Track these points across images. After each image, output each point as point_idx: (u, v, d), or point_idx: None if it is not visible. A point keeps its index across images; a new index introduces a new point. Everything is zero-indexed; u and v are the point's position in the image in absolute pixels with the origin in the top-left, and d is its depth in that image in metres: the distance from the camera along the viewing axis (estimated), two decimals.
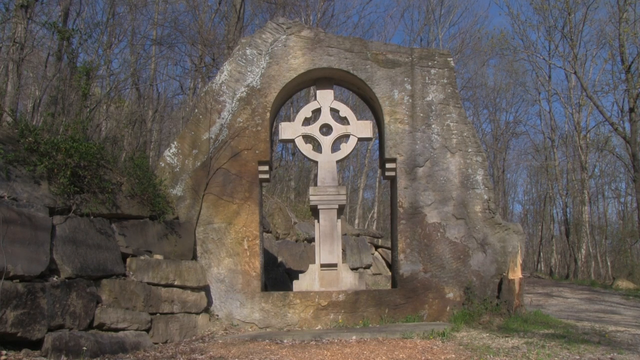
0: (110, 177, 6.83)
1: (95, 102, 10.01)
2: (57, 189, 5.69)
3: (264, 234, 11.83)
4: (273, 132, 8.67)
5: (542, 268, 29.22)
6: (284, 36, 8.34)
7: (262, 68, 8.34)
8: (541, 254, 29.95)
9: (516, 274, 7.71)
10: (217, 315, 8.00)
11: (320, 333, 6.98)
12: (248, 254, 8.12)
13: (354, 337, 6.63)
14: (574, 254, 22.85)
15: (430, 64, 8.18)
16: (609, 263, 24.75)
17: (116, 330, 5.76)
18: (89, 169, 6.37)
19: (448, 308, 8.01)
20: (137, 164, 7.34)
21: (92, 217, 6.04)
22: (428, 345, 6.04)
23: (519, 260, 7.84)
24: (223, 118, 8.32)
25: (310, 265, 8.49)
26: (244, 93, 8.31)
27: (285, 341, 6.54)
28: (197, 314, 7.29)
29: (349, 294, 8.06)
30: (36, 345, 4.80)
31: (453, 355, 5.56)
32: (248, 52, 8.48)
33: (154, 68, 17.78)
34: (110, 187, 6.52)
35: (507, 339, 6.26)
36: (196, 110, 8.67)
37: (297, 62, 8.27)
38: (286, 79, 8.24)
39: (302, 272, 8.77)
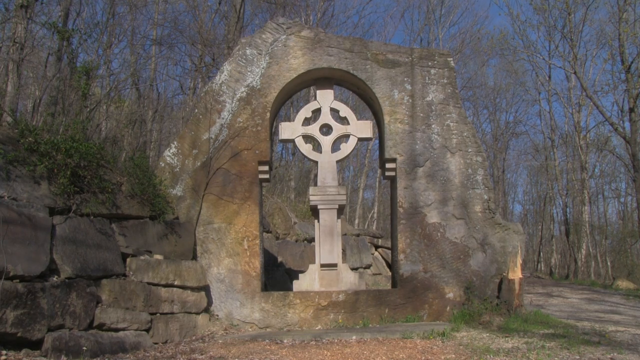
0: (110, 177, 6.83)
1: (95, 102, 10.00)
2: (57, 189, 5.69)
3: (264, 234, 11.83)
4: (273, 132, 8.65)
5: (542, 268, 29.21)
6: (284, 36, 8.34)
7: (262, 68, 8.33)
8: (541, 253, 29.95)
9: (516, 274, 7.71)
10: (218, 315, 7.99)
11: (320, 333, 6.98)
12: (248, 254, 8.12)
13: (354, 337, 6.63)
14: (574, 254, 22.85)
15: (430, 64, 8.18)
16: (609, 263, 24.74)
17: (116, 330, 5.76)
18: (89, 169, 6.37)
19: (448, 308, 8.01)
20: (137, 164, 7.33)
21: (92, 217, 6.04)
22: (428, 345, 6.03)
23: (519, 261, 7.84)
24: (223, 118, 8.32)
25: (310, 265, 8.49)
26: (244, 93, 8.30)
27: (285, 341, 6.54)
28: (197, 314, 7.29)
29: (349, 294, 8.06)
30: (36, 345, 4.80)
31: (453, 355, 5.55)
32: (248, 52, 8.48)
33: (154, 68, 17.78)
34: (110, 187, 6.52)
35: (507, 339, 6.26)
36: (196, 111, 8.66)
37: (297, 62, 8.26)
38: (286, 79, 8.23)
39: (302, 272, 8.77)
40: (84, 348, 5.05)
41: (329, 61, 8.24)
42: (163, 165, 8.36)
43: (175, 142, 8.53)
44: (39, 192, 5.44)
